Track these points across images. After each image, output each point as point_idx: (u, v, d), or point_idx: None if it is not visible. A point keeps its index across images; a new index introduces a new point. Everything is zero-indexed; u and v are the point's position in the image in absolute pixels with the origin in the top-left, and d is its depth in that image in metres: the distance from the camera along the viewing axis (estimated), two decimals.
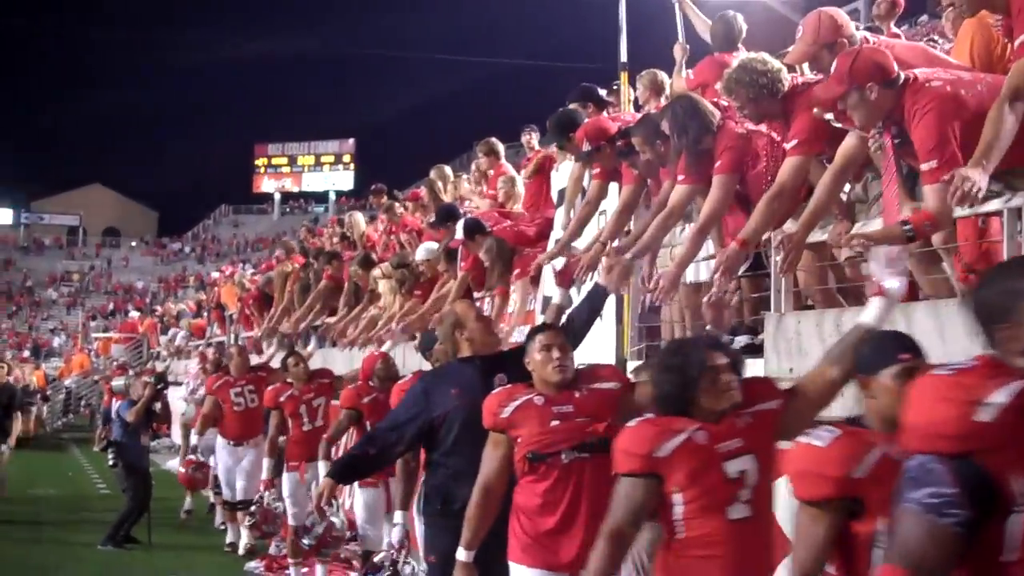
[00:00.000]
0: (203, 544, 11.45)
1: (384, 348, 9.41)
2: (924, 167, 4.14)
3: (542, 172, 9.48)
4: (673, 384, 3.73)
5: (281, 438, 9.85)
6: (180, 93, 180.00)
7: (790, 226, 5.05)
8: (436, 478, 5.23)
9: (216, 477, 12.05)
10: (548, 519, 4.53)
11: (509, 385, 4.74)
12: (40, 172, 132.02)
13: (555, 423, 4.51)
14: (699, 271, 6.17)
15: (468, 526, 4.62)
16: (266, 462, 9.78)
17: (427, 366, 7.52)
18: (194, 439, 11.80)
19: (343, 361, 11.14)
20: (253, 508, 9.95)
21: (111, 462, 12.27)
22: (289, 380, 9.77)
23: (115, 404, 13.22)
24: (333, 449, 8.81)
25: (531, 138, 10.89)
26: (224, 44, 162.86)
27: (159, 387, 12.50)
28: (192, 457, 11.97)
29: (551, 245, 8.00)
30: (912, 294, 4.89)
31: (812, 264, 5.34)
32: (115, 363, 22.65)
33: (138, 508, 11.71)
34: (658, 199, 6.18)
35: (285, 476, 9.54)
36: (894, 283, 3.83)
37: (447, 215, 9.79)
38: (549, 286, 7.56)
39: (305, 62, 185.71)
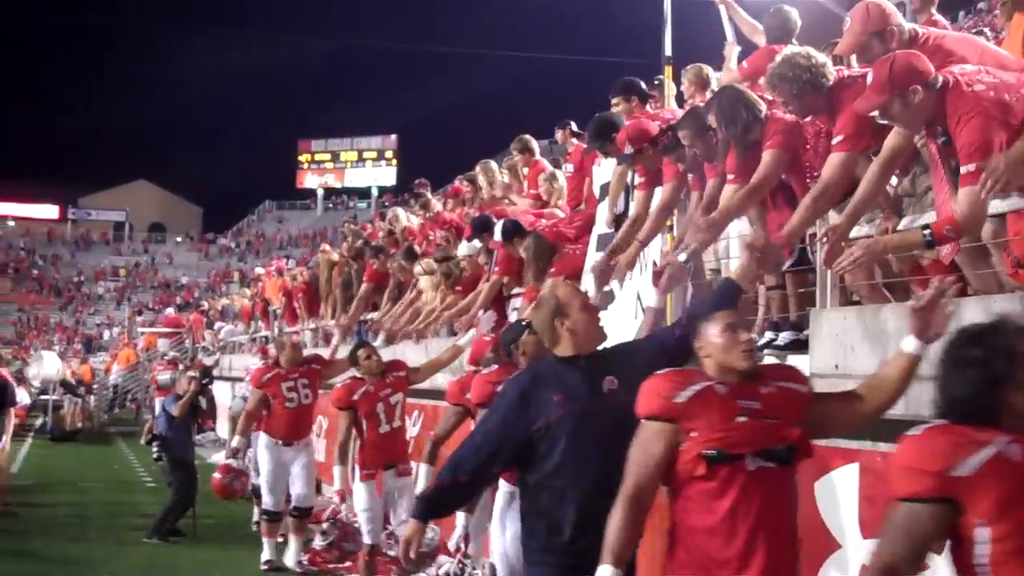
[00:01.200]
0: (247, 536, 11.49)
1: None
2: (963, 169, 4.08)
3: (581, 169, 9.47)
4: (974, 383, 2.90)
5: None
6: (224, 90, 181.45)
7: (834, 218, 5.00)
8: (539, 503, 4.31)
9: (255, 485, 10.91)
10: (727, 544, 3.59)
11: (677, 368, 3.92)
12: (87, 168, 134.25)
13: (742, 419, 3.65)
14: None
15: (614, 539, 3.64)
16: (338, 471, 8.65)
17: None
18: (235, 441, 10.22)
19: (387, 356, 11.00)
20: (326, 526, 8.86)
21: (155, 455, 12.37)
22: (360, 375, 8.60)
23: (158, 400, 13.34)
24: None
25: (565, 133, 10.81)
26: (268, 41, 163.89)
27: (204, 382, 12.60)
28: (231, 463, 10.09)
29: (593, 241, 7.96)
30: (961, 290, 4.83)
31: None
32: (165, 357, 22.85)
33: (183, 501, 11.81)
34: (705, 199, 6.11)
35: (357, 487, 8.38)
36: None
37: (482, 226, 9.54)
38: (587, 283, 7.54)
39: (348, 58, 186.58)
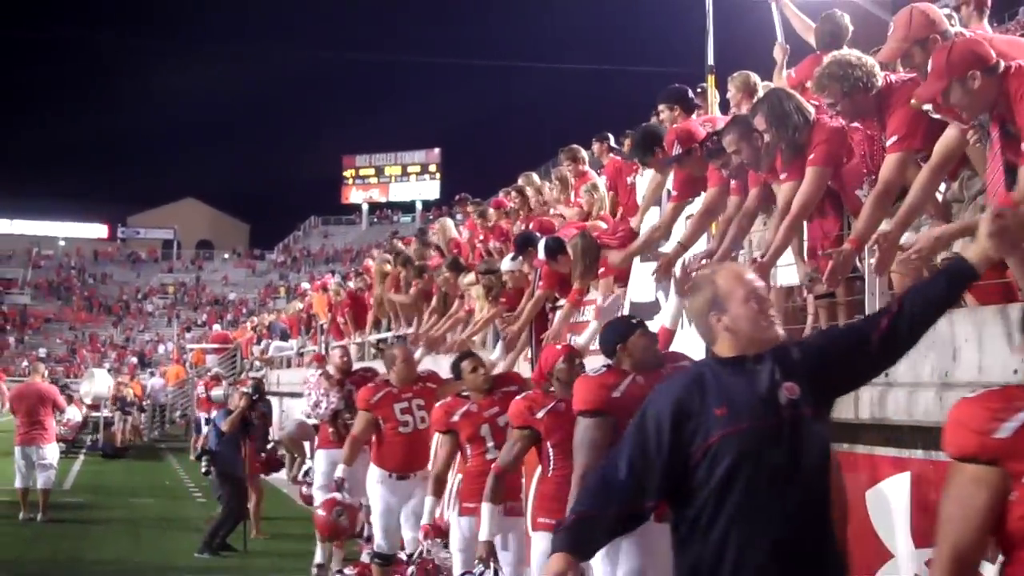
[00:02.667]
0: (298, 551, 11.54)
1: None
2: None
3: (614, 183, 9.53)
4: None
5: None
6: (270, 107, 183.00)
7: (884, 226, 4.95)
8: (692, 550, 3.28)
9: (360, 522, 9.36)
10: None
11: (994, 388, 2.91)
12: (136, 187, 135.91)
13: None
14: (790, 274, 6.07)
15: None
16: (429, 501, 7.26)
17: None
18: (340, 471, 8.60)
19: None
20: (413, 559, 7.39)
21: (204, 470, 12.47)
22: (465, 392, 7.32)
23: (208, 414, 13.44)
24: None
25: (602, 147, 10.83)
26: (312, 57, 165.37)
27: (255, 397, 12.69)
28: (336, 496, 8.56)
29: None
30: (1011, 295, 4.76)
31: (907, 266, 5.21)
32: (209, 373, 23.05)
33: (232, 516, 11.89)
34: (745, 209, 6.06)
35: (456, 522, 7.06)
36: None
37: (525, 243, 9.38)
38: (636, 291, 7.51)
39: (391, 73, 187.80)
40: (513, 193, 11.75)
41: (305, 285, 28.85)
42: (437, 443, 7.54)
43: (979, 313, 4.64)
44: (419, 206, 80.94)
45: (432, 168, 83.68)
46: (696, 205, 6.77)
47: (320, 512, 8.70)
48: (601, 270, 8.12)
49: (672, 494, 3.33)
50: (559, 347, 6.25)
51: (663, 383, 3.63)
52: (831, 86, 5.04)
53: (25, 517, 13.96)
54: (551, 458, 5.87)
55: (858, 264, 5.38)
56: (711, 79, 7.84)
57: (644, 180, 8.28)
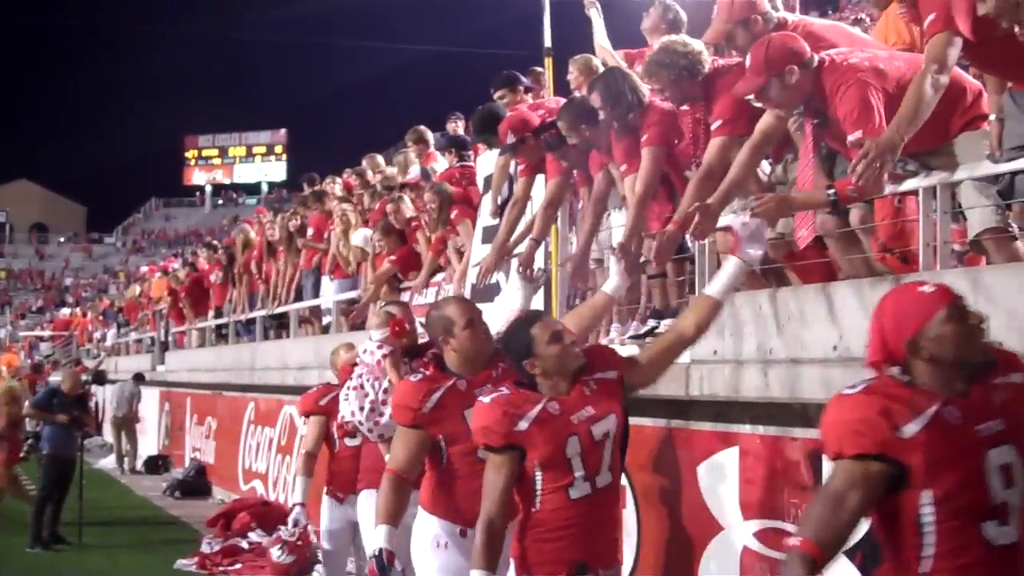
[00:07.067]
0: (135, 543, 11.26)
1: None
2: (851, 139, 4.19)
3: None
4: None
5: None
6: (106, 84, 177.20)
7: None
8: None
9: None
10: None
11: None
12: None
13: None
14: None
15: None
16: None
17: None
18: (381, 536, 4.29)
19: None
20: None
21: (23, 453, 12.00)
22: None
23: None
24: None
25: (457, 127, 10.85)
26: (150, 33, 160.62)
27: (86, 383, 12.35)
28: None
29: (478, 233, 7.95)
30: (831, 274, 4.95)
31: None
32: (27, 360, 22.33)
33: (48, 499, 11.36)
34: (594, 195, 6.12)
35: None
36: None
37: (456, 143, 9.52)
38: (473, 276, 7.52)
39: (234, 50, 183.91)
40: (354, 176, 11.67)
41: (144, 269, 28.13)
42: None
43: (801, 291, 4.80)
44: (265, 188, 79.74)
45: (278, 149, 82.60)
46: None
47: None
48: (455, 213, 8.18)
49: None
50: (928, 289, 2.85)
51: None
52: (659, 73, 5.18)
53: None
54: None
55: (689, 244, 5.50)
56: (548, 62, 7.86)
57: (483, 162, 8.29)
